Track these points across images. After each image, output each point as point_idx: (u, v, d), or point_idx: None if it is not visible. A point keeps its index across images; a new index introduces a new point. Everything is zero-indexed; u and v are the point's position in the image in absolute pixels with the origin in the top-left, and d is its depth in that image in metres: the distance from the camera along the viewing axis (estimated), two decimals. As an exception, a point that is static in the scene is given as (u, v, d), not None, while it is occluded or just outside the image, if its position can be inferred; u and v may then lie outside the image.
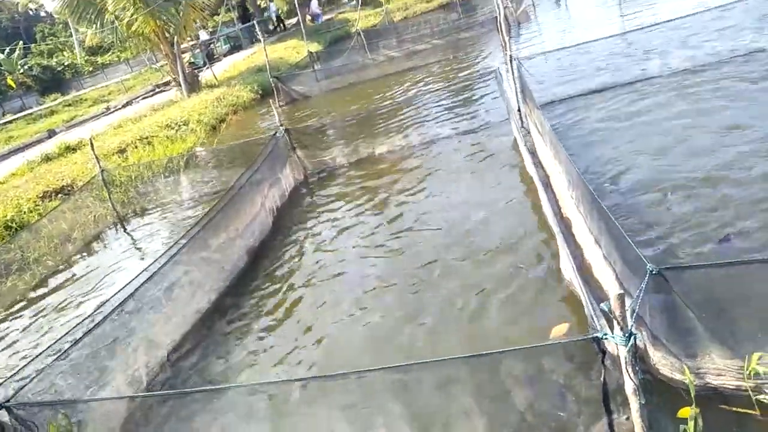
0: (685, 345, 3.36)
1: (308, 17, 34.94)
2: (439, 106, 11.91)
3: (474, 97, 11.80)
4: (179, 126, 16.17)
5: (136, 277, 5.60)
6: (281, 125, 9.78)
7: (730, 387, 3.32)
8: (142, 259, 8.82)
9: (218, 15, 34.19)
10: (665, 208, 5.55)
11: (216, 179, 11.12)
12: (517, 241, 5.91)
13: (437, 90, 13.44)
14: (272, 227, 8.21)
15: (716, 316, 3.28)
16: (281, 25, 36.56)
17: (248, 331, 5.82)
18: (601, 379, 3.00)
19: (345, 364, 4.58)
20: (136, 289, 5.32)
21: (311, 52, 21.98)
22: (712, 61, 9.02)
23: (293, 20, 35.33)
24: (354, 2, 36.49)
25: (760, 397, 3.20)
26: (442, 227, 6.71)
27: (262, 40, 18.28)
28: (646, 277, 3.23)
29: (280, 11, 38.13)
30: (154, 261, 6.17)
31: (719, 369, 3.33)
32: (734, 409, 3.27)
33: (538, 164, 7.37)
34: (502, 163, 8.05)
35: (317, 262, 6.87)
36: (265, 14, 37.47)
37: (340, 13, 37.00)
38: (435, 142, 9.66)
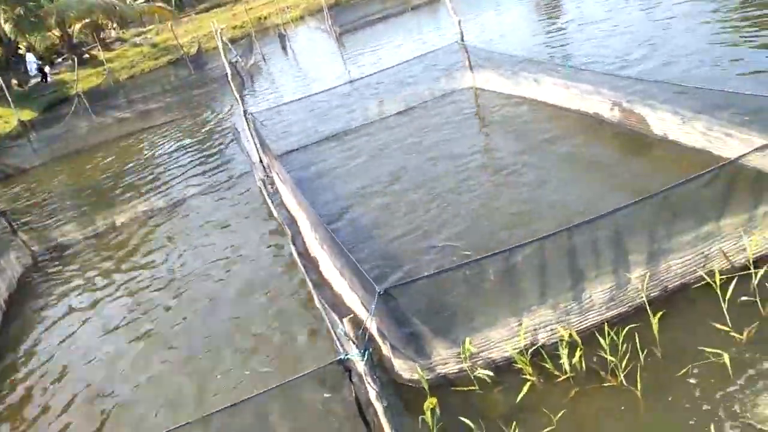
0: (416, 347, 4.00)
1: (14, 81, 30.74)
2: (180, 165, 11.73)
3: (215, 153, 11.91)
4: None
5: None
6: (-4, 209, 8.60)
7: (454, 371, 4.05)
8: None
9: None
10: (389, 237, 6.40)
11: None
12: (271, 283, 6.19)
13: (176, 149, 13.19)
14: (2, 321, 7.16)
15: (434, 316, 3.99)
16: (44, 79, 31.01)
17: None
18: (353, 395, 3.41)
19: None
20: None
21: (23, 121, 19.58)
22: (418, 103, 10.63)
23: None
24: (69, 62, 33.44)
25: (477, 373, 3.96)
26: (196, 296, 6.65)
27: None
28: (375, 297, 3.78)
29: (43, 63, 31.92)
30: None
31: (444, 359, 4.04)
32: (460, 389, 3.98)
33: (283, 210, 7.83)
34: (250, 212, 8.31)
35: (52, 357, 6.21)
36: (28, 65, 31.16)
37: (54, 73, 33.53)
38: (180, 203, 9.51)
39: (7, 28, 32.67)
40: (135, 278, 7.43)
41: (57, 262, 8.65)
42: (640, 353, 3.69)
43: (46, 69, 31.77)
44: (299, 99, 12.24)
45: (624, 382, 3.60)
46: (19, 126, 19.45)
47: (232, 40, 26.09)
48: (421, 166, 7.90)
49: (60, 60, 36.83)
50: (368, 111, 10.82)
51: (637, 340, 3.72)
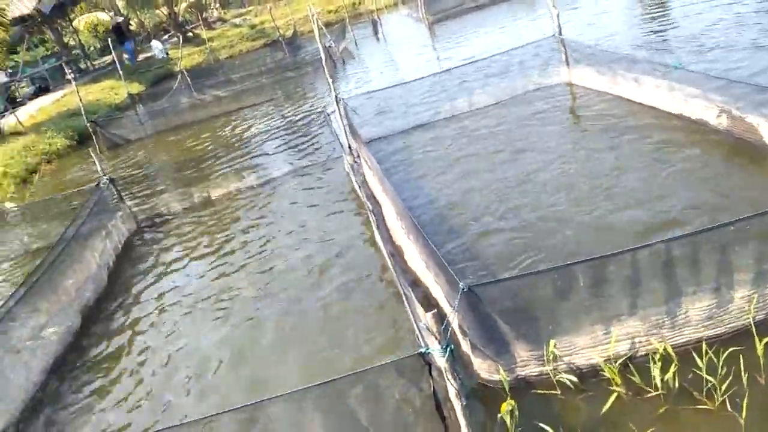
0: (497, 347, 3.97)
1: (125, 56, 32.93)
2: (272, 145, 12.14)
3: (306, 136, 12.23)
4: (-22, 181, 14.40)
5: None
6: (104, 174, 9.29)
7: (534, 374, 3.99)
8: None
9: (17, 53, 30.92)
10: (474, 231, 6.33)
11: (33, 237, 10.14)
12: (357, 273, 6.32)
13: (269, 130, 13.66)
14: (108, 282, 7.79)
15: (518, 317, 3.93)
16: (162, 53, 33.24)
17: (94, 397, 5.48)
18: (431, 389, 3.44)
19: None
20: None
21: (132, 94, 20.95)
22: (510, 97, 10.41)
23: (107, 58, 33.08)
24: (175, 39, 35.37)
25: (560, 377, 3.88)
26: (289, 264, 6.92)
27: (72, 80, 17.04)
28: (459, 295, 3.78)
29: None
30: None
31: (525, 361, 3.98)
32: (541, 392, 3.92)
33: (370, 197, 7.95)
34: (339, 197, 8.49)
35: (157, 314, 6.67)
36: (153, 52, 33.61)
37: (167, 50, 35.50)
38: (271, 182, 9.86)
39: (121, 4, 35.01)
40: (228, 250, 7.82)
41: (159, 229, 9.27)
42: (743, 378, 3.46)
43: (159, 45, 33.43)
44: (389, 86, 12.31)
45: (723, 406, 3.40)
46: (128, 98, 20.83)
47: (327, 24, 26.55)
48: (512, 161, 7.74)
49: (166, 37, 39.06)
50: (458, 102, 10.71)
51: (741, 365, 3.49)
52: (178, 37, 33.17)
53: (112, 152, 16.56)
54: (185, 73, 21.80)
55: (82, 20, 37.31)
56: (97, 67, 34.64)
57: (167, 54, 32.28)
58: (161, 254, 8.34)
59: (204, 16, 39.95)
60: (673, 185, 6.04)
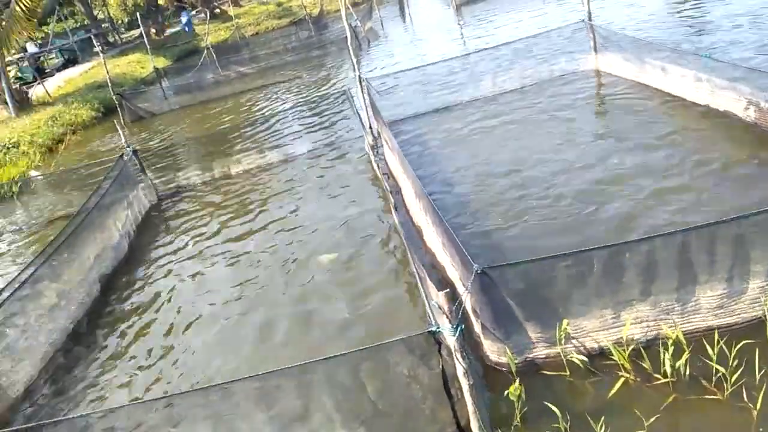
0: (507, 329, 3.99)
1: (152, 30, 33.13)
2: (295, 123, 12.19)
3: (329, 115, 12.24)
4: (7, 149, 14.71)
5: None
6: (128, 146, 9.43)
7: (542, 357, 4.01)
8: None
9: (48, 25, 31.30)
10: (496, 216, 6.33)
11: (58, 205, 10.38)
12: (373, 246, 6.37)
13: (292, 107, 13.70)
14: (128, 251, 7.96)
15: (530, 300, 3.94)
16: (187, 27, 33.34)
17: (116, 356, 5.66)
18: (440, 367, 3.48)
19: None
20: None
21: (157, 68, 21.10)
22: (536, 82, 10.28)
23: (135, 32, 33.34)
24: (202, 15, 35.43)
25: (571, 356, 3.89)
26: (313, 234, 7.00)
27: (101, 53, 17.24)
28: (472, 276, 3.79)
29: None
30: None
31: (534, 343, 4.00)
32: (550, 373, 3.94)
33: (390, 177, 7.97)
34: (360, 176, 8.51)
35: (174, 288, 6.81)
36: (180, 26, 33.84)
37: (196, 24, 35.58)
38: (293, 160, 9.92)
39: (151, -21, 35.11)
40: (247, 222, 7.93)
41: (179, 201, 9.41)
42: (757, 370, 3.43)
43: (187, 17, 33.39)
44: (414, 68, 12.23)
45: (732, 397, 3.39)
46: (154, 72, 21.00)
47: (354, 4, 26.37)
48: (531, 152, 7.65)
49: (194, 13, 39.14)
50: (482, 86, 10.61)
51: (756, 357, 3.45)
52: (206, 13, 33.23)
53: (137, 125, 16.77)
54: (210, 48, 21.88)
55: (111, -7, 37.59)
56: (125, 41, 34.96)
57: (194, 29, 32.41)
58: (181, 225, 8.48)
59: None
60: (696, 179, 5.95)
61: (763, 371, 3.46)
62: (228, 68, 19.66)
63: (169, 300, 6.51)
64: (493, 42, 13.77)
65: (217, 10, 36.90)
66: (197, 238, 7.92)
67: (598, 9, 14.53)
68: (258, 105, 15.66)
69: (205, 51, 21.98)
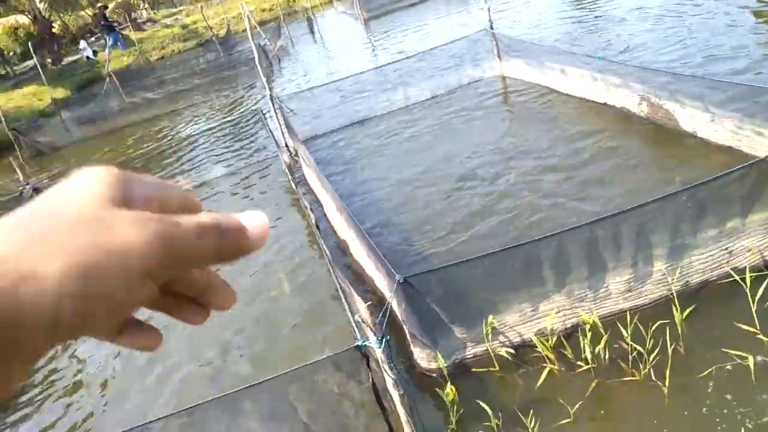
0: (434, 334, 4.03)
1: (84, 55, 31.42)
2: (209, 147, 11.88)
3: (242, 136, 12.00)
4: None
5: None
6: (27, 184, 8.83)
7: (470, 356, 4.08)
8: None
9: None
10: (419, 224, 6.41)
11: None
12: (297, 265, 6.27)
13: (206, 131, 13.32)
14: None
15: (452, 303, 4.00)
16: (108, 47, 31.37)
17: None
18: (370, 380, 3.45)
19: None
20: None
21: (56, 99, 19.97)
22: (445, 91, 10.56)
23: (29, 62, 31.38)
24: (103, 41, 33.92)
25: (499, 350, 3.97)
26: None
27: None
28: (395, 286, 3.80)
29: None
30: None
31: (462, 344, 4.06)
32: (480, 370, 4.00)
33: (309, 194, 7.90)
34: (275, 195, 8.39)
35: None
36: (82, 54, 31.64)
37: (94, 51, 33.96)
38: (208, 184, 9.63)
39: (42, 6, 33.26)
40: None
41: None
42: (669, 348, 3.63)
43: (87, 46, 31.94)
44: (327, 84, 12.23)
45: (649, 376, 3.57)
46: (52, 104, 19.84)
47: (261, 23, 26.14)
48: (446, 157, 7.84)
49: (93, 39, 37.41)
50: (394, 97, 10.77)
51: (668, 336, 3.66)
52: (105, 39, 31.86)
53: (37, 161, 15.74)
54: (113, 76, 20.94)
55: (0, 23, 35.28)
56: (19, 72, 32.86)
57: (95, 56, 30.98)
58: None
59: (133, 17, 38.52)
60: (595, 170, 6.29)
61: (673, 347, 3.67)
62: (134, 95, 18.88)
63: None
64: (404, 53, 14.05)
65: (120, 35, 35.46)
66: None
67: (501, 15, 15.25)
68: (169, 131, 15.13)
69: (108, 78, 21.00)
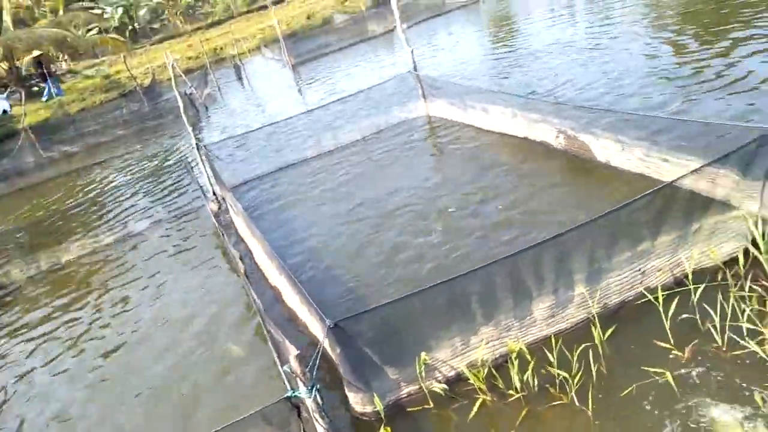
0: (367, 377, 3.97)
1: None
2: (130, 200, 11.49)
3: (167, 186, 11.71)
4: None
5: None
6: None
7: (404, 395, 4.06)
8: None
9: None
10: (350, 265, 6.38)
11: None
12: (225, 316, 6.07)
13: (127, 183, 12.92)
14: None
15: (385, 343, 3.97)
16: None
17: None
18: (301, 431, 3.35)
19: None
20: None
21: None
22: (373, 132, 10.72)
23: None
24: (17, 95, 32.50)
25: (432, 387, 3.96)
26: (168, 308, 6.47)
27: None
28: (325, 331, 3.74)
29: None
30: None
31: (396, 384, 4.03)
32: (415, 409, 3.97)
33: (238, 242, 7.73)
34: (202, 245, 8.16)
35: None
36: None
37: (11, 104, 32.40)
38: (130, 237, 9.28)
39: (-48, 60, 31.73)
40: (77, 319, 7.18)
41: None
42: (593, 369, 3.74)
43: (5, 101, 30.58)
44: (253, 130, 12.17)
45: (575, 400, 3.65)
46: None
47: (187, 71, 25.94)
48: (376, 196, 7.92)
49: (7, 93, 35.79)
50: (323, 141, 10.85)
51: (590, 357, 3.76)
52: (21, 93, 30.56)
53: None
54: (29, 130, 20.03)
55: None
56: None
57: (10, 110, 29.61)
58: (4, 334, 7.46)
59: (52, 68, 37.24)
60: (517, 201, 6.53)
61: (597, 368, 3.78)
62: (51, 149, 18.10)
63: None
64: (332, 97, 14.25)
65: (35, 88, 34.16)
66: (18, 341, 7.01)
67: (428, 58, 15.78)
68: (90, 184, 14.54)
69: (23, 133, 20.06)
